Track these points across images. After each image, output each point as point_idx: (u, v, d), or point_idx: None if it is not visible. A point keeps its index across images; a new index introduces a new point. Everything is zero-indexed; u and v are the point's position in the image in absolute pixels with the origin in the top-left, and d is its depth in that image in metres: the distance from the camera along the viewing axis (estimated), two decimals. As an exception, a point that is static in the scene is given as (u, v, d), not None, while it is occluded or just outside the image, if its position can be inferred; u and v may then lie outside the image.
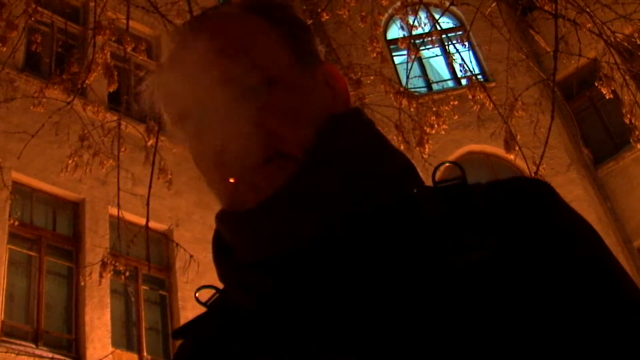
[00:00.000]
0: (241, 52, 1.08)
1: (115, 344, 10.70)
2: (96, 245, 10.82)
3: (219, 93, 1.05)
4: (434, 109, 8.42)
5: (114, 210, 8.93)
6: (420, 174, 1.14)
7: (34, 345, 10.01)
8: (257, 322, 1.01)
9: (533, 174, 7.57)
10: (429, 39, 9.53)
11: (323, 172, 1.05)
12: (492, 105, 8.05)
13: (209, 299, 1.15)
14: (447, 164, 1.17)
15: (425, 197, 1.04)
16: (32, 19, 8.18)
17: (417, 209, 1.02)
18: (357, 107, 1.19)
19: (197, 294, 1.15)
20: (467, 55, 10.01)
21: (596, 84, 8.17)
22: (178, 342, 1.18)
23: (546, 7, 7.83)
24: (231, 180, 1.07)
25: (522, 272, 0.92)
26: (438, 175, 1.09)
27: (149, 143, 7.86)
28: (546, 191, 1.03)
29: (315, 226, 1.01)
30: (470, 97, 8.18)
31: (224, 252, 1.12)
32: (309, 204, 1.03)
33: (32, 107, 8.15)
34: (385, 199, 1.03)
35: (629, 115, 7.99)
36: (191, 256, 8.45)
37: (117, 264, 7.65)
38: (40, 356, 9.85)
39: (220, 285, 1.15)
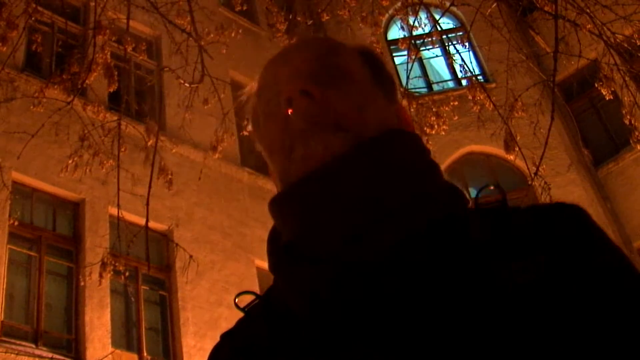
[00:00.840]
0: (330, 51, 1.21)
1: (115, 344, 10.69)
2: (96, 245, 10.82)
3: (301, 66, 1.18)
4: (434, 109, 8.42)
5: (114, 210, 8.93)
6: None
7: (33, 345, 10.00)
8: (310, 327, 1.01)
9: (533, 175, 7.57)
10: (430, 39, 9.53)
11: (379, 159, 1.07)
12: (492, 105, 8.05)
13: (248, 304, 1.16)
14: (491, 187, 1.19)
15: (472, 218, 1.06)
16: (32, 18, 8.18)
17: (465, 229, 1.03)
18: None
19: (236, 300, 1.16)
20: (468, 56, 10.00)
21: (596, 85, 8.17)
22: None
23: (546, 8, 7.83)
24: (289, 111, 1.11)
25: (566, 296, 0.95)
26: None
27: (149, 143, 7.87)
28: (584, 218, 1.06)
29: (366, 216, 1.02)
30: (470, 97, 8.19)
31: (278, 243, 1.13)
32: (360, 185, 1.04)
33: (32, 107, 8.15)
34: (437, 214, 1.05)
35: (628, 116, 8.00)
36: (191, 256, 8.45)
37: (117, 264, 7.65)
38: (40, 356, 9.84)
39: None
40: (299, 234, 1.07)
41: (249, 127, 1.28)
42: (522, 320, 0.92)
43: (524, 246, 0.99)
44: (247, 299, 1.17)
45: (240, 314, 1.16)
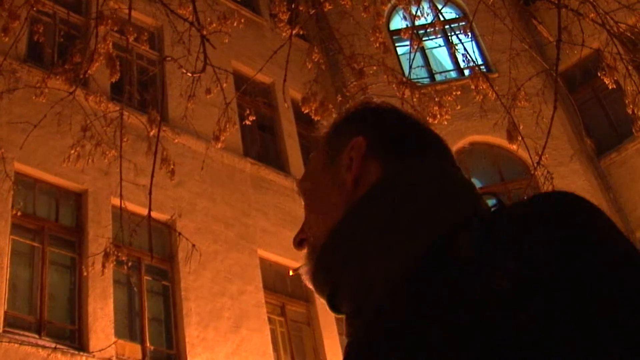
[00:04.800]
0: (303, 177, 1.43)
1: (118, 334, 10.72)
2: (99, 235, 10.83)
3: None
4: (436, 99, 8.40)
5: (116, 201, 8.94)
6: None
7: (37, 336, 10.03)
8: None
9: (535, 165, 7.56)
10: (432, 29, 9.51)
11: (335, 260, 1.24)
12: (494, 95, 8.03)
13: None
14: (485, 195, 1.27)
15: (465, 232, 1.09)
16: (34, 9, 8.17)
17: (455, 246, 1.08)
18: (384, 180, 1.27)
19: None
20: (470, 46, 9.98)
21: (599, 74, 8.14)
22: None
23: (549, -3, 7.81)
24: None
25: (541, 300, 0.93)
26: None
27: (151, 133, 7.85)
28: (574, 209, 1.05)
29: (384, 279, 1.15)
30: (473, 87, 8.16)
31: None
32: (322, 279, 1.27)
33: (34, 98, 8.14)
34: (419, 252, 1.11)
35: (631, 106, 7.97)
36: (194, 245, 8.45)
37: (119, 254, 7.66)
38: (44, 346, 9.87)
39: None
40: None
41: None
42: (497, 328, 0.93)
43: (504, 250, 1.00)
44: None
45: None
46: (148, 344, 11.08)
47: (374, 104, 1.43)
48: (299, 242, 1.35)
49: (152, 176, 7.24)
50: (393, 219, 1.17)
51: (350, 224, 1.22)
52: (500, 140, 13.92)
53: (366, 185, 1.25)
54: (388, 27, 17.88)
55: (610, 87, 8.06)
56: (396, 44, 17.39)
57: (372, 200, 1.22)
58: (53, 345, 9.95)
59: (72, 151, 8.06)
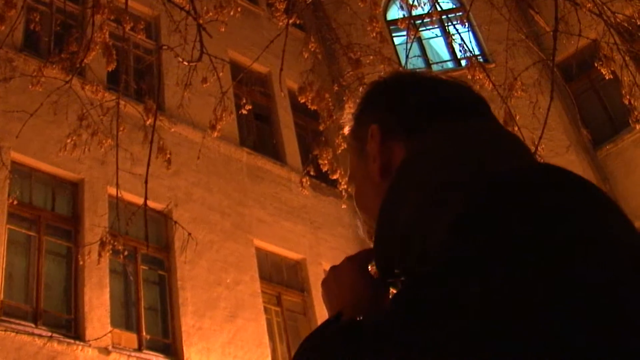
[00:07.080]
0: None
1: (114, 323, 10.72)
2: (95, 225, 10.82)
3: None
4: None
5: (112, 190, 8.93)
6: None
7: (33, 325, 10.03)
8: None
9: (532, 155, 7.55)
10: (429, 19, 9.50)
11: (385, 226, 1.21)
12: (491, 85, 8.03)
13: None
14: None
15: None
16: (31, -3, 8.14)
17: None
18: (404, 164, 1.21)
19: None
20: (467, 36, 9.97)
21: (596, 65, 8.15)
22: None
23: (546, -13, 7.80)
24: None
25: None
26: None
27: (148, 122, 7.85)
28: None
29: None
30: (469, 77, 8.16)
31: None
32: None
33: (30, 87, 8.12)
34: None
35: (628, 96, 7.98)
36: (189, 234, 8.45)
37: (115, 243, 7.65)
38: (40, 335, 9.87)
39: None
40: None
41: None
42: None
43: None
44: None
45: None
46: (144, 333, 11.09)
47: (382, 82, 1.37)
48: (371, 238, 1.32)
49: (149, 165, 7.24)
50: (414, 202, 1.11)
51: (382, 222, 1.18)
52: (496, 131, 13.90)
53: (394, 170, 1.21)
54: (385, 17, 17.86)
55: (607, 78, 8.07)
56: (393, 34, 17.35)
57: (394, 189, 1.18)
58: (49, 334, 9.96)
59: (69, 140, 8.05)
